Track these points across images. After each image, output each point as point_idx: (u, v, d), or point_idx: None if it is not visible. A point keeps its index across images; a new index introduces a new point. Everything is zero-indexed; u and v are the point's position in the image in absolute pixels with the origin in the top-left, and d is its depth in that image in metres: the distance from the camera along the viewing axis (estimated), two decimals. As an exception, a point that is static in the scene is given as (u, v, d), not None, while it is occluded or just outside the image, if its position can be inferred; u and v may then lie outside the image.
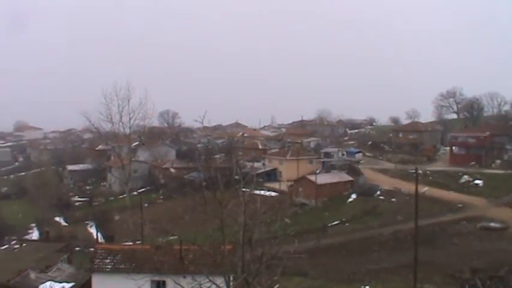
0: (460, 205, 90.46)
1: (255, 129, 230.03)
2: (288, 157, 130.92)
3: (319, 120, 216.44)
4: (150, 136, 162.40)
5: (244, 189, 24.15)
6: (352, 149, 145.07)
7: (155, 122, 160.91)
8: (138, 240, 74.92)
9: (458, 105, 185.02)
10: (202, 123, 25.77)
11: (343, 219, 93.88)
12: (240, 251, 22.87)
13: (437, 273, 55.95)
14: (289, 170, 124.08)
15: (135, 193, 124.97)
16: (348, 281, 58.28)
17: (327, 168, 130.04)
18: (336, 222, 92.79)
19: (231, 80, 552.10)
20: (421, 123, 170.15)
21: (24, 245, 70.47)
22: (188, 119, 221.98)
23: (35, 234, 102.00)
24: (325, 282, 57.77)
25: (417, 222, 53.41)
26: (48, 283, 51.38)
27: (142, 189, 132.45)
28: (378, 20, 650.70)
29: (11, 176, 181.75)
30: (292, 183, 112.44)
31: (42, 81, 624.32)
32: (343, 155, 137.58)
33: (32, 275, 53.81)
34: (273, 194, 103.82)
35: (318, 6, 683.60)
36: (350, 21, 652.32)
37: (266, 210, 24.16)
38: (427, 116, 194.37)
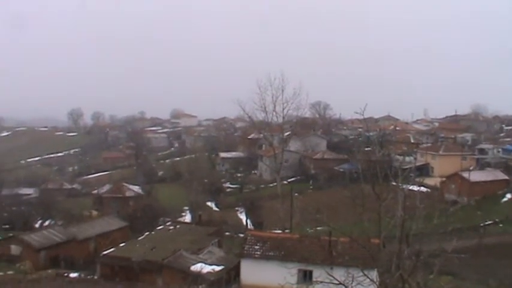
0: None
1: (407, 123, 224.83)
2: (440, 152, 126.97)
3: (474, 115, 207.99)
4: (302, 126, 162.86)
5: (401, 184, 23.44)
6: (509, 147, 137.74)
7: (307, 113, 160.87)
8: (287, 229, 75.45)
9: None
10: (362, 115, 25.24)
11: (496, 220, 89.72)
12: (397, 246, 22.18)
13: None
14: (441, 166, 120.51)
15: (285, 182, 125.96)
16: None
17: (481, 165, 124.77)
18: (488, 222, 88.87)
19: (383, 74, 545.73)
20: None
21: (178, 226, 72.82)
22: (339, 110, 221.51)
23: (187, 217, 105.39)
24: (475, 284, 55.32)
25: None
26: (199, 264, 52.78)
27: (293, 179, 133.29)
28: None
29: (167, 160, 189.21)
30: (444, 179, 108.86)
31: (197, 71, 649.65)
32: (498, 152, 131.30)
33: (185, 256, 55.55)
34: (424, 189, 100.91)
35: None
36: None
37: (424, 205, 23.24)
38: None
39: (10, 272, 60.54)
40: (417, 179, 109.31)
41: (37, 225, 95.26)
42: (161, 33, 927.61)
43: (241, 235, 74.00)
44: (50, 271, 60.83)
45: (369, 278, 23.13)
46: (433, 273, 23.33)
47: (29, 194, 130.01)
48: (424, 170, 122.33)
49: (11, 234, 75.24)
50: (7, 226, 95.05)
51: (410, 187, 25.57)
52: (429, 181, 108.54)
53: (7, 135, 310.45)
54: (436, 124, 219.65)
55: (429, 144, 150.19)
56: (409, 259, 22.31)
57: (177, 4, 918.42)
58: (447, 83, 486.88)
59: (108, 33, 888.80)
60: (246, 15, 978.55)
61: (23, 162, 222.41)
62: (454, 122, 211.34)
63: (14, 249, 66.57)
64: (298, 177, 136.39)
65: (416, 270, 22.48)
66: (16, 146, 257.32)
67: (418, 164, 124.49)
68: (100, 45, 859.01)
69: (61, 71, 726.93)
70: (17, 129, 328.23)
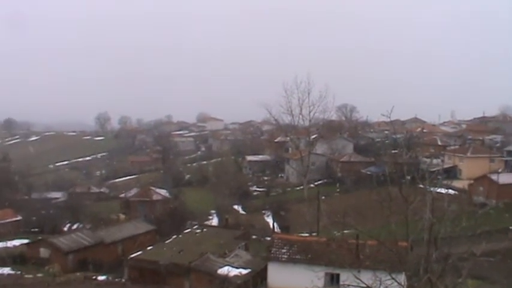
0: None
1: (434, 125, 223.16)
2: (468, 154, 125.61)
3: (503, 116, 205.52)
4: (328, 129, 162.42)
5: (429, 186, 23.24)
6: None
7: (333, 116, 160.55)
8: (314, 232, 75.16)
9: None
10: (389, 117, 25.07)
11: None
12: (425, 249, 21.98)
13: None
14: (469, 168, 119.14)
15: (311, 185, 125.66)
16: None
17: (510, 167, 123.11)
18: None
19: (410, 76, 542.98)
20: None
21: (205, 230, 73.05)
22: (366, 113, 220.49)
23: (214, 221, 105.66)
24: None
25: None
26: (226, 268, 52.90)
27: (319, 182, 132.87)
28: None
29: (194, 164, 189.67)
30: (472, 181, 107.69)
31: (223, 75, 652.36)
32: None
33: (212, 259, 55.66)
34: (452, 192, 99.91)
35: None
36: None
37: (453, 208, 23.02)
38: None
39: (39, 275, 61.23)
40: (445, 182, 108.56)
41: (65, 229, 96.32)
42: (188, 38, 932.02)
43: (268, 238, 73.88)
44: (78, 274, 61.41)
45: (396, 281, 22.97)
46: (461, 277, 23.06)
47: (58, 198, 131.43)
48: (451, 173, 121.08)
49: (40, 238, 76.09)
50: (36, 229, 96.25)
51: (438, 190, 25.29)
52: (457, 183, 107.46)
53: (36, 139, 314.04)
54: (464, 126, 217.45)
55: (457, 146, 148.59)
56: (438, 262, 22.11)
57: (206, 9, 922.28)
58: (475, 84, 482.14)
59: (135, 37, 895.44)
60: (274, 19, 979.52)
61: (51, 166, 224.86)
62: (482, 124, 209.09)
63: (43, 252, 67.34)
64: (325, 180, 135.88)
65: (445, 273, 22.26)
66: (45, 150, 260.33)
67: (445, 166, 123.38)
68: (127, 50, 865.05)
69: (89, 76, 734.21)
70: (46, 133, 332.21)
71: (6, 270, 63.08)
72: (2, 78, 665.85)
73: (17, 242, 79.59)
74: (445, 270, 22.04)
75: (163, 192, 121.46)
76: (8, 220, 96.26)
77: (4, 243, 77.42)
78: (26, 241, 76.38)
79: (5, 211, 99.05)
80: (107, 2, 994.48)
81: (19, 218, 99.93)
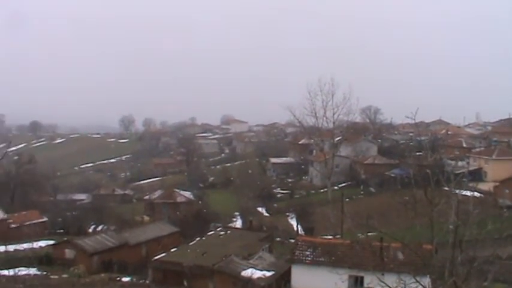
0: None
1: (458, 127, 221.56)
2: (494, 157, 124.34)
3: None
4: (352, 131, 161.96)
5: (454, 189, 23.06)
6: None
7: (357, 118, 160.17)
8: (338, 235, 74.97)
9: None
10: (414, 119, 24.97)
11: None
12: (450, 252, 21.80)
13: None
14: (494, 170, 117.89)
15: (335, 188, 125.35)
16: None
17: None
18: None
19: (435, 78, 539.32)
20: None
21: (229, 232, 73.10)
22: (390, 115, 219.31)
23: (238, 223, 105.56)
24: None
25: None
26: (249, 270, 52.86)
27: (343, 184, 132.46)
28: None
29: (218, 166, 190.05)
30: (498, 184, 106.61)
31: (247, 77, 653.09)
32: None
33: (236, 261, 55.70)
34: (477, 194, 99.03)
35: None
36: None
37: (478, 211, 22.80)
38: None
39: (64, 276, 61.73)
40: (470, 184, 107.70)
41: (90, 230, 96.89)
42: (212, 40, 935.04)
43: (292, 241, 73.80)
44: (102, 275, 61.77)
45: (421, 284, 22.81)
46: (487, 280, 22.87)
47: (83, 200, 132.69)
48: (477, 175, 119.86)
49: (65, 239, 76.66)
50: (62, 231, 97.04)
51: (463, 192, 25.10)
52: (482, 186, 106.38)
53: (61, 142, 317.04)
54: (489, 128, 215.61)
55: (482, 148, 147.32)
56: (463, 265, 21.91)
57: (234, 9, 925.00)
58: (500, 85, 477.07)
59: (160, 41, 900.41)
60: (299, 21, 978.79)
61: (76, 168, 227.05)
62: (508, 125, 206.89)
63: (68, 253, 67.84)
64: (349, 183, 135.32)
65: (470, 277, 22.05)
66: (70, 152, 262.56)
67: (470, 168, 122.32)
68: (151, 53, 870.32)
69: (114, 79, 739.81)
70: (71, 136, 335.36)
71: (33, 271, 63.63)
72: (28, 81, 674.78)
73: (43, 243, 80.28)
74: (471, 274, 21.84)
75: (187, 194, 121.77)
76: (34, 221, 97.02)
77: (30, 244, 78.01)
78: (51, 242, 76.96)
79: (31, 212, 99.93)
80: (131, 5, 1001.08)
81: (45, 219, 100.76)
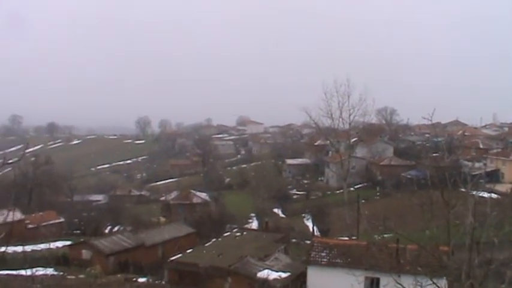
0: None
1: (475, 128, 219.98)
2: (511, 158, 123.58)
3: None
4: (369, 132, 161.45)
5: (471, 190, 22.89)
6: None
7: (374, 119, 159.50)
8: (354, 236, 74.79)
9: None
10: (430, 120, 24.82)
11: None
12: (466, 254, 21.64)
13: None
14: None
15: (351, 189, 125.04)
16: None
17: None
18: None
19: (451, 79, 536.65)
20: None
21: (245, 233, 73.10)
22: (406, 116, 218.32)
23: (254, 224, 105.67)
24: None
25: None
26: (265, 271, 52.78)
27: (359, 185, 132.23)
28: None
29: (234, 167, 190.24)
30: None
31: (263, 78, 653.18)
32: None
33: (251, 262, 55.67)
34: (495, 196, 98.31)
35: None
36: None
37: (495, 212, 22.60)
38: None
39: (81, 276, 62.05)
40: (487, 185, 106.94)
41: (107, 231, 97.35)
42: (227, 41, 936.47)
43: (308, 242, 73.58)
44: (119, 276, 62.05)
45: (438, 286, 22.64)
46: (504, 283, 22.66)
47: (99, 201, 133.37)
48: (494, 176, 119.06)
49: (82, 239, 77.13)
50: (78, 231, 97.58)
51: (480, 194, 24.91)
52: (500, 187, 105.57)
53: (78, 143, 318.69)
54: (506, 129, 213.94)
55: (499, 150, 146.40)
56: (480, 268, 21.74)
57: (249, 9, 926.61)
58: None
59: (175, 42, 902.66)
60: (314, 23, 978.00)
61: (93, 169, 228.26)
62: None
63: (85, 253, 68.25)
64: (365, 184, 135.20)
65: (487, 279, 21.87)
66: (86, 153, 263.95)
67: (487, 169, 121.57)
68: (167, 54, 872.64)
69: (130, 80, 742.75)
70: (88, 137, 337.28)
71: (50, 271, 64.11)
72: (46, 83, 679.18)
73: (59, 244, 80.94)
74: (488, 276, 21.66)
75: (203, 195, 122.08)
76: (51, 222, 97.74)
77: (47, 244, 78.57)
78: (68, 243, 77.57)
79: (48, 213, 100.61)
80: (149, 5, 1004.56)
81: (62, 220, 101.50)
